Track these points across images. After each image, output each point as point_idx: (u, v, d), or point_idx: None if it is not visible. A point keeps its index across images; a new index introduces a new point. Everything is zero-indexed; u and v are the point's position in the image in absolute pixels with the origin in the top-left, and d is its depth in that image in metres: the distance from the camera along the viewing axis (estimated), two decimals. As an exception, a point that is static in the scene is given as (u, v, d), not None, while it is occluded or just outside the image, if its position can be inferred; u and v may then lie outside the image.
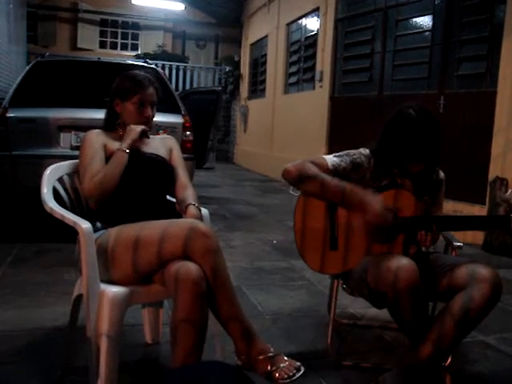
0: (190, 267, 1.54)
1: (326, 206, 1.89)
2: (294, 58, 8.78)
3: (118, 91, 1.91)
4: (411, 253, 1.85)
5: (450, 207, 4.64)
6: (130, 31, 13.37)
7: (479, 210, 4.50)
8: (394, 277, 1.61)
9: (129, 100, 1.89)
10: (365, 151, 1.92)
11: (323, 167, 1.86)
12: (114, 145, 1.86)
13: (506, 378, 2.06)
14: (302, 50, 8.45)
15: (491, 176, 4.35)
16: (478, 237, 4.25)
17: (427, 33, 5.59)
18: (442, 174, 2.01)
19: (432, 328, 1.66)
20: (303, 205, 1.93)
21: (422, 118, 1.78)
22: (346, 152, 1.92)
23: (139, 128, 1.88)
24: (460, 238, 2.04)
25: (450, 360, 1.87)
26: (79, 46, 12.50)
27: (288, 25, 8.98)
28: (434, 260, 1.86)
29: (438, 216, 1.95)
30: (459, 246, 1.96)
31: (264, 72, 10.21)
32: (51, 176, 1.83)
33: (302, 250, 1.94)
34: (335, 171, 1.87)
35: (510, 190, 4.08)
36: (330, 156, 1.91)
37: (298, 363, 1.57)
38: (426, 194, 1.93)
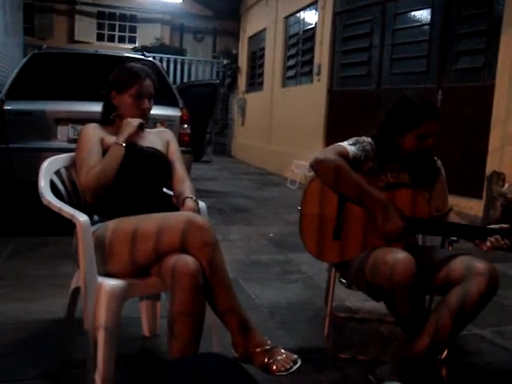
0: (188, 260, 1.54)
1: (337, 196, 1.88)
2: (292, 51, 8.75)
3: (115, 84, 1.91)
4: (407, 243, 1.84)
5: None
6: (128, 24, 13.29)
7: (476, 205, 4.51)
8: (391, 270, 1.61)
9: (126, 92, 1.88)
10: (367, 139, 1.92)
11: (346, 157, 1.84)
12: (111, 138, 1.85)
13: (501, 370, 2.07)
14: (300, 43, 8.43)
15: (488, 170, 4.35)
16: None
17: (425, 27, 5.58)
18: (439, 162, 2.02)
19: (428, 321, 1.67)
20: (315, 189, 1.91)
21: (424, 100, 1.84)
22: (355, 139, 1.92)
23: (136, 122, 1.87)
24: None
25: (445, 353, 1.89)
26: (76, 38, 12.43)
27: (286, 18, 8.94)
28: (430, 253, 1.87)
29: (446, 222, 1.95)
30: (456, 240, 1.97)
31: (262, 65, 10.18)
32: (48, 169, 1.83)
33: (303, 233, 1.93)
34: (354, 161, 1.86)
35: (506, 185, 4.09)
36: (346, 144, 1.89)
37: (295, 356, 1.58)
38: (424, 185, 1.93)
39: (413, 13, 5.81)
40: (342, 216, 1.88)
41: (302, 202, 1.94)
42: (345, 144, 1.90)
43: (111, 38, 13.21)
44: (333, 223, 1.88)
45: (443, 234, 1.96)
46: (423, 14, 5.64)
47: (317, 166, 1.85)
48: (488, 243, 1.75)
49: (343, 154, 1.84)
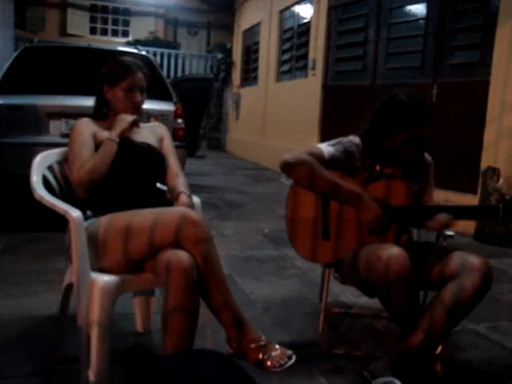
0: (182, 255, 1.53)
1: (320, 196, 1.88)
2: (287, 45, 8.72)
3: (107, 78, 1.89)
4: (403, 242, 1.85)
5: (441, 196, 4.65)
6: (121, 17, 13.20)
7: (471, 200, 4.52)
8: (385, 266, 1.61)
9: (118, 86, 1.86)
10: (355, 139, 1.91)
11: (320, 158, 1.84)
12: (104, 133, 1.84)
13: (496, 365, 2.08)
14: (295, 37, 8.40)
15: (483, 165, 4.36)
16: (469, 226, 4.27)
17: (421, 21, 5.56)
18: (429, 158, 2.00)
19: (423, 317, 1.67)
20: (296, 194, 1.92)
21: (413, 103, 1.77)
22: (338, 140, 1.91)
23: (130, 118, 1.86)
24: (451, 227, 2.04)
25: (440, 348, 1.89)
26: (69, 31, 12.33)
27: (281, 12, 8.90)
28: (425, 249, 1.87)
29: (430, 206, 1.95)
30: (450, 236, 1.97)
31: (256, 59, 10.14)
32: (41, 164, 1.81)
33: (293, 239, 1.93)
34: (331, 161, 1.85)
35: (501, 180, 4.10)
36: (325, 145, 1.89)
37: (290, 351, 1.57)
38: (414, 181, 1.92)
39: (408, 7, 5.79)
40: (327, 215, 1.87)
41: (287, 208, 1.93)
42: (322, 145, 1.89)
43: (104, 32, 13.11)
44: (320, 224, 1.88)
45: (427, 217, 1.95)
46: (419, 9, 5.63)
47: (285, 166, 1.86)
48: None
49: (315, 154, 1.84)
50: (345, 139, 1.91)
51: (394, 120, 1.77)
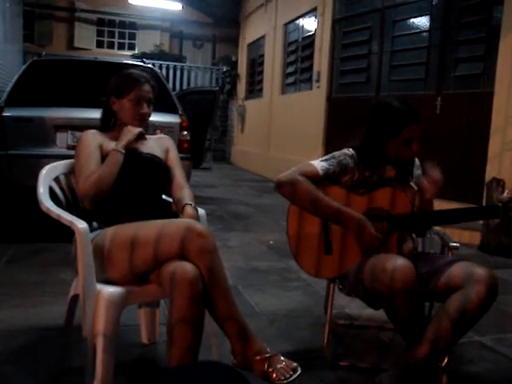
0: (187, 267, 1.53)
1: None
2: (292, 58, 8.79)
3: (114, 89, 1.91)
4: (406, 252, 1.85)
5: (446, 207, 4.64)
6: (127, 31, 13.35)
7: (476, 211, 4.50)
8: (391, 277, 1.61)
9: (125, 97, 1.88)
10: (348, 151, 1.92)
11: (314, 175, 1.86)
12: (110, 145, 1.85)
13: (502, 377, 2.06)
14: (300, 50, 8.46)
15: (488, 177, 4.35)
16: (474, 237, 4.26)
17: (424, 33, 5.60)
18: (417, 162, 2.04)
19: (428, 328, 1.66)
20: (296, 210, 1.93)
21: (406, 104, 1.84)
22: (331, 155, 1.92)
23: (136, 130, 1.87)
24: (456, 239, 2.05)
25: (446, 360, 1.88)
26: (76, 45, 12.48)
27: (285, 25, 8.98)
28: (430, 260, 1.86)
29: (431, 211, 1.96)
30: (455, 247, 1.97)
31: (261, 72, 10.21)
32: (47, 175, 1.83)
33: (296, 255, 1.94)
34: (326, 176, 1.87)
35: (506, 191, 4.09)
36: (318, 161, 1.90)
37: (295, 364, 1.57)
38: (409, 181, 1.94)
39: (412, 20, 5.83)
40: (328, 230, 1.88)
41: (288, 224, 1.95)
42: (315, 161, 1.91)
43: (111, 45, 13.26)
44: (322, 239, 1.88)
45: (430, 223, 1.96)
46: (422, 21, 5.66)
47: (278, 186, 1.89)
48: None
49: (308, 173, 1.86)
50: (338, 153, 1.92)
51: (396, 119, 1.82)
